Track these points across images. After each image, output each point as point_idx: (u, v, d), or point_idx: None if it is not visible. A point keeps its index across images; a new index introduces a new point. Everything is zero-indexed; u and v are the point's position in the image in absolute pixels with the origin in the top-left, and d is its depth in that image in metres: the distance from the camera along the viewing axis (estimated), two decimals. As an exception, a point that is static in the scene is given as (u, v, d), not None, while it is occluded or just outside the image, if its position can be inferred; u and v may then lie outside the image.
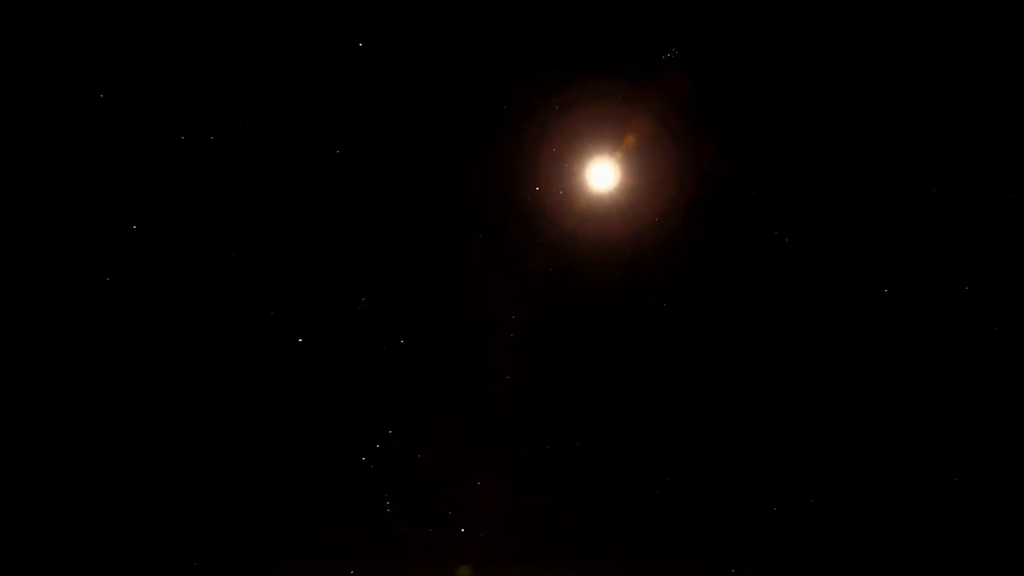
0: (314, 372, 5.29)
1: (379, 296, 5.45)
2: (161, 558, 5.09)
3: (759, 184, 5.41)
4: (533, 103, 5.51)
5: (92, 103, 4.99)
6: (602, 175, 5.55)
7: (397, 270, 5.50)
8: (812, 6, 5.32)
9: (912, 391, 5.49)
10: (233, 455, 5.22)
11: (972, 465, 5.41)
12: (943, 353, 5.42)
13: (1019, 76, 5.28)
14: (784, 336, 5.54)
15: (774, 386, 5.59)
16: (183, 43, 5.11)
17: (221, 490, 5.19)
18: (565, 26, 5.44)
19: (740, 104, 5.40)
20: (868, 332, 5.45)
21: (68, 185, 5.02)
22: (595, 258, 5.62)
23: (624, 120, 5.49)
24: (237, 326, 5.23)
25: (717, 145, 5.43)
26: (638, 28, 5.41)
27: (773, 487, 5.58)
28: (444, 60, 5.40)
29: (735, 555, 5.51)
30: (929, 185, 5.29)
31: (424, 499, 5.42)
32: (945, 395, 5.42)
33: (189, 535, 5.13)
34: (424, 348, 5.48)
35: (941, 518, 5.39)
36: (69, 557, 4.94)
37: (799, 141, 5.41)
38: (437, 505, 5.41)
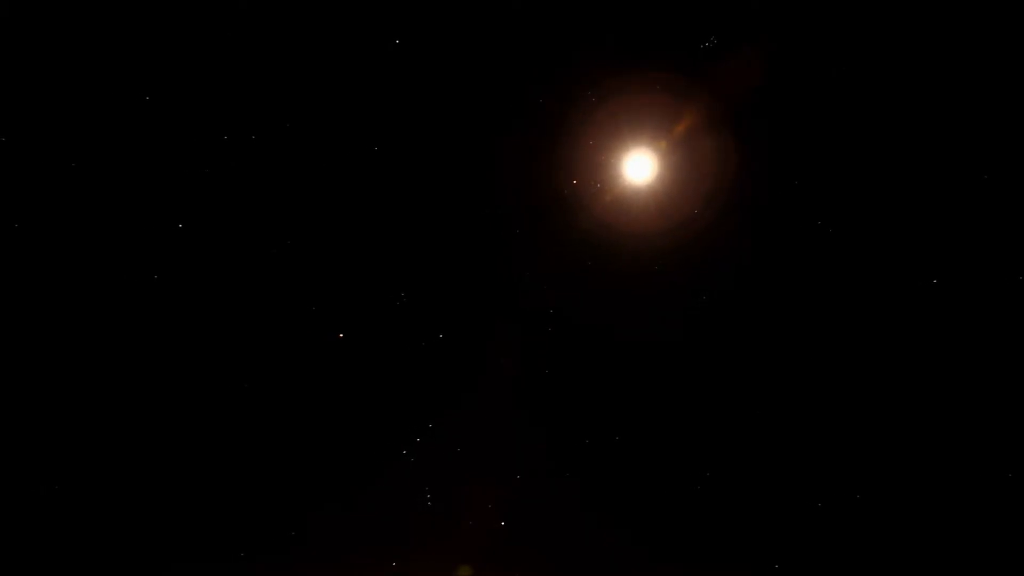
0: (354, 366, 5.36)
1: (417, 291, 5.48)
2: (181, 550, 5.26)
3: (800, 174, 5.30)
4: (569, 95, 5.46)
5: (143, 105, 5.08)
6: (640, 167, 5.49)
7: (434, 265, 5.52)
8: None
9: (960, 383, 5.37)
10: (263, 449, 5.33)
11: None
12: (993, 347, 5.28)
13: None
14: (826, 329, 5.45)
15: (814, 381, 5.51)
16: (232, 47, 5.16)
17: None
18: (602, 17, 5.37)
19: (780, 94, 5.28)
20: (914, 325, 5.32)
21: (117, 185, 5.12)
22: (633, 251, 5.57)
23: (662, 111, 5.42)
24: (278, 322, 5.31)
25: (757, 135, 5.33)
26: (675, 17, 5.32)
27: (815, 484, 5.53)
28: (481, 53, 5.38)
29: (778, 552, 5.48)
30: (980, 174, 5.13)
31: (458, 495, 5.48)
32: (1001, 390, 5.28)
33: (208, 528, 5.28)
34: (461, 342, 5.51)
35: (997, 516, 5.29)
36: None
37: (842, 131, 5.28)
38: (472, 500, 5.46)
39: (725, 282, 5.55)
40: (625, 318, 5.61)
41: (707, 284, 5.56)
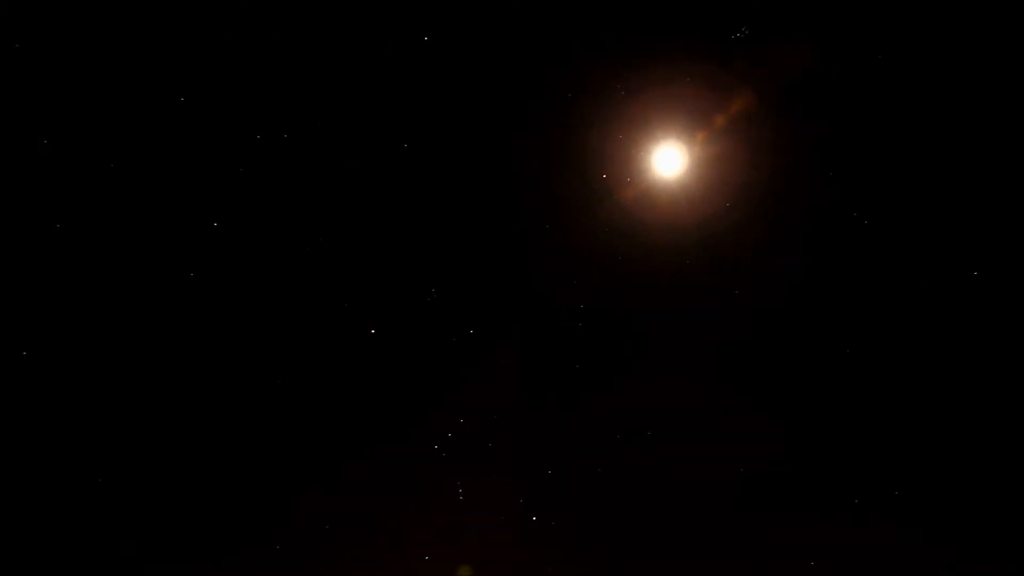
0: (387, 361, 5.41)
1: (448, 287, 5.50)
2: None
3: (835, 166, 5.18)
4: (598, 89, 5.40)
5: (178, 106, 5.15)
6: (670, 161, 5.42)
7: (463, 261, 5.53)
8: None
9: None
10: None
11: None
12: None
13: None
14: (860, 324, 5.35)
15: (846, 377, 5.43)
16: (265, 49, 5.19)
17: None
18: (631, 8, 5.29)
19: (813, 84, 5.16)
20: (955, 319, 5.19)
21: (155, 184, 5.21)
22: (664, 245, 5.52)
23: (693, 104, 5.33)
24: (311, 318, 5.37)
25: (789, 127, 5.23)
26: (706, 7, 5.22)
27: (850, 483, 5.46)
28: (510, 47, 5.34)
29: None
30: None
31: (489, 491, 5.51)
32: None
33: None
34: (493, 337, 5.52)
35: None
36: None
37: (876, 122, 5.15)
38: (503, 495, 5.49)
39: (757, 276, 5.48)
40: (656, 312, 5.58)
41: (739, 278, 5.49)
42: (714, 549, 5.54)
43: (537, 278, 5.60)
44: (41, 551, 5.07)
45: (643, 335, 5.59)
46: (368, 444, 5.42)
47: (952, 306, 5.23)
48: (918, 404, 5.32)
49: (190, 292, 5.27)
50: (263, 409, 5.34)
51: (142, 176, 5.18)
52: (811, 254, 5.36)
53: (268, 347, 5.35)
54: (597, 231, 5.55)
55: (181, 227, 5.25)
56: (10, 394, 5.05)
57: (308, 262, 5.35)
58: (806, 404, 5.48)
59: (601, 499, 5.51)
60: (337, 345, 5.42)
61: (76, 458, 5.17)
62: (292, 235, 5.33)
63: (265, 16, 5.15)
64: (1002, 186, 5.07)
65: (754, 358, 5.51)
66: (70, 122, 5.06)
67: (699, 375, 5.55)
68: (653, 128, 5.40)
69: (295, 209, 5.32)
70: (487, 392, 5.53)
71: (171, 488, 5.25)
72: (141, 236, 5.22)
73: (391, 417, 5.46)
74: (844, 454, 5.47)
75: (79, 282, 5.14)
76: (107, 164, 5.12)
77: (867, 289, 5.31)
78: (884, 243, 5.23)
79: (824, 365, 5.43)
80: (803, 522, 5.49)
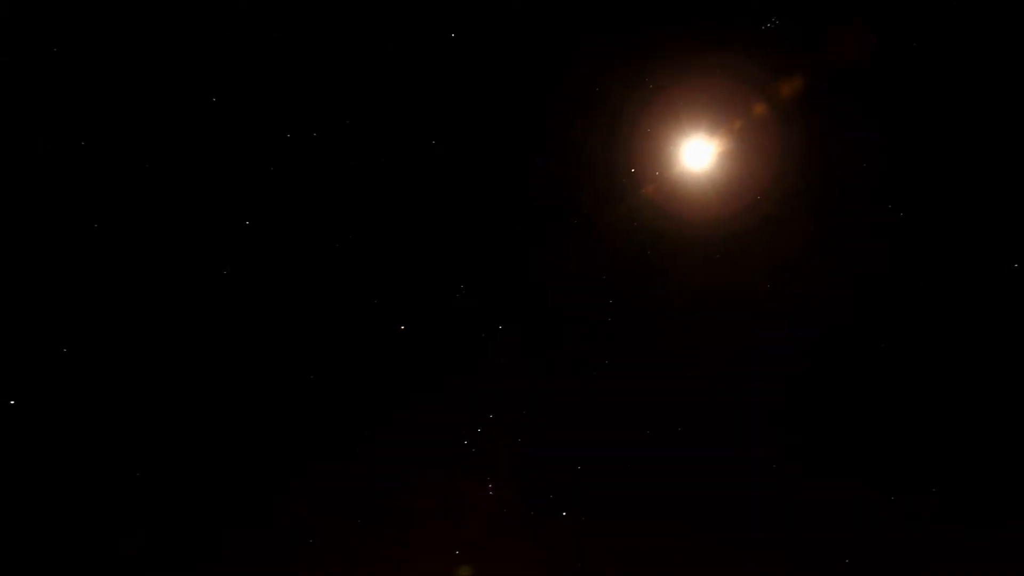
0: (415, 358, 5.24)
1: (476, 283, 5.38)
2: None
3: (868, 158, 5.20)
4: (627, 82, 5.40)
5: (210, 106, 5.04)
6: (698, 155, 5.41)
7: (492, 257, 5.43)
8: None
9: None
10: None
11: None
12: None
13: None
14: (892, 317, 5.32)
15: (874, 372, 5.37)
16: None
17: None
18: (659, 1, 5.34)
19: (843, 76, 5.21)
20: (990, 314, 5.18)
21: (191, 184, 5.08)
22: (692, 239, 5.48)
23: (721, 96, 5.34)
24: (341, 315, 5.20)
25: (820, 121, 5.25)
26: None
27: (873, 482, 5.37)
28: (537, 41, 5.34)
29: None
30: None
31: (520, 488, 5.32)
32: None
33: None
34: (521, 333, 5.39)
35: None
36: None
37: (909, 114, 5.19)
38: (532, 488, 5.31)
39: (784, 269, 5.45)
40: (683, 308, 5.51)
41: (765, 272, 5.46)
42: (731, 549, 5.36)
43: (565, 273, 5.52)
44: (37, 550, 4.72)
45: (670, 331, 5.50)
46: (387, 441, 5.28)
47: (992, 301, 5.22)
48: (949, 404, 5.28)
49: (210, 291, 5.21)
50: (278, 405, 5.16)
51: (182, 173, 5.12)
52: (843, 249, 5.34)
53: (292, 345, 5.21)
54: (625, 226, 5.50)
55: (211, 226, 5.19)
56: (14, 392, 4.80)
57: (341, 258, 5.25)
58: (833, 402, 5.41)
59: (626, 496, 5.35)
60: (364, 341, 5.29)
61: (79, 456, 4.90)
62: (327, 231, 5.21)
63: (288, 20, 5.10)
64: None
65: (782, 355, 5.44)
66: (100, 123, 5.01)
67: (725, 372, 5.47)
68: (681, 122, 5.40)
69: (336, 205, 5.24)
70: (511, 388, 5.45)
71: (194, 483, 5.14)
72: (178, 232, 5.15)
73: (412, 414, 5.30)
74: (871, 453, 5.39)
75: (115, 277, 5.02)
76: (142, 164, 5.02)
77: (898, 283, 5.29)
78: (919, 237, 5.23)
79: (854, 362, 5.38)
80: (817, 522, 5.39)
